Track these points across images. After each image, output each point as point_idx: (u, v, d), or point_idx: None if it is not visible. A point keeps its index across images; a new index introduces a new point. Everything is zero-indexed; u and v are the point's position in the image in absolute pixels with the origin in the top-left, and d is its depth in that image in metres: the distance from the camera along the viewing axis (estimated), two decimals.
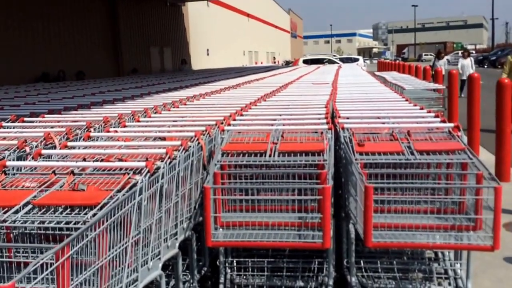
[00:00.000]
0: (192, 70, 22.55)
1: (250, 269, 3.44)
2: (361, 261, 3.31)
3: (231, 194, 3.07)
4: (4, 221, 2.17)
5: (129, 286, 2.39)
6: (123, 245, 2.35)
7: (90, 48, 17.84)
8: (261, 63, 39.61)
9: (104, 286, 2.19)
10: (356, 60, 31.82)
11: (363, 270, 3.30)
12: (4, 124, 4.21)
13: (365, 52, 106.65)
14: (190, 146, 3.19)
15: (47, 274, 1.91)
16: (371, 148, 3.15)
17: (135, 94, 7.21)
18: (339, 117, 3.97)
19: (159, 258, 2.77)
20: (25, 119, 4.46)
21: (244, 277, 3.40)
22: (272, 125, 3.78)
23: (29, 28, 14.43)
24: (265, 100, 5.62)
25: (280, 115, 4.24)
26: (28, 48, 14.25)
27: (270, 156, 3.15)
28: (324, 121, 3.86)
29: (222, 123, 3.96)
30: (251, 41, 41.75)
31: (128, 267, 2.37)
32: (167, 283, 3.34)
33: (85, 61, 16.89)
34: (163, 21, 23.94)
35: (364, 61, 34.43)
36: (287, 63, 37.00)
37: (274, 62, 42.71)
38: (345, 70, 14.21)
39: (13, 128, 4.15)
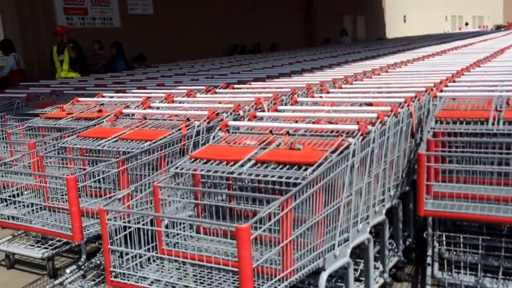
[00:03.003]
0: (387, 39, 21.99)
1: (461, 245, 3.35)
2: None
3: (446, 163, 3.02)
4: (232, 173, 2.49)
5: (341, 244, 2.55)
6: (336, 204, 2.50)
7: (284, 20, 18.53)
8: (463, 28, 36.80)
9: (319, 240, 2.38)
10: None
11: None
12: (217, 90, 4.71)
13: None
14: (399, 112, 3.21)
15: (270, 224, 2.14)
16: None
17: (332, 63, 7.39)
18: None
19: (368, 222, 2.88)
20: (235, 86, 4.92)
21: (455, 253, 3.34)
22: (492, 91, 3.58)
23: (226, 3, 15.55)
24: (478, 66, 5.31)
25: (502, 81, 3.97)
26: (226, 23, 15.38)
27: (493, 124, 3.01)
28: None
29: (432, 89, 3.88)
30: (454, 4, 39.00)
31: (340, 226, 2.53)
32: None
33: (279, 33, 17.63)
34: None
35: None
36: (498, 28, 33.78)
37: (473, 25, 39.18)
38: None
39: (225, 94, 4.61)
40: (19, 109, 5.14)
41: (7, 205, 3.20)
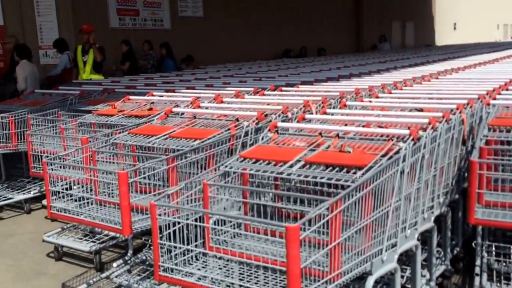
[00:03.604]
0: (436, 46, 21.57)
1: (511, 256, 3.26)
2: None
3: (498, 171, 2.93)
4: (281, 173, 2.49)
5: (388, 249, 2.51)
6: (385, 208, 2.47)
7: (332, 25, 18.43)
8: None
9: (367, 244, 2.35)
10: None
11: None
12: (265, 92, 4.74)
13: None
14: (451, 119, 3.14)
15: (319, 226, 2.13)
16: None
17: (380, 68, 7.32)
18: None
19: (416, 229, 2.83)
20: (283, 88, 4.93)
21: (504, 264, 3.24)
22: None
23: (274, 7, 15.59)
24: None
25: None
26: (274, 26, 15.42)
27: None
28: None
29: (485, 97, 3.79)
30: (506, 12, 37.87)
31: (388, 231, 2.50)
32: None
33: (326, 38, 17.55)
34: None
35: None
36: None
37: None
38: None
39: (273, 96, 4.62)
40: (72, 105, 5.31)
41: (59, 197, 3.29)
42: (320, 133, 2.87)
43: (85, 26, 8.48)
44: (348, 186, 2.27)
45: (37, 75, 8.27)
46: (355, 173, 2.39)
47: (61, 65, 8.97)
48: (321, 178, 2.40)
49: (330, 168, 2.49)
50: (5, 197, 5.53)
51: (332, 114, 3.46)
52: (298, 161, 2.58)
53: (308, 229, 2.10)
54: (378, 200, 2.41)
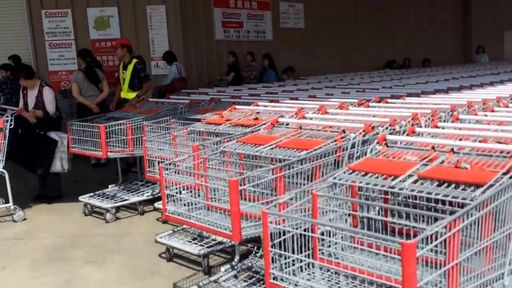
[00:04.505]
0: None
1: None
2: None
3: None
4: (393, 187, 2.42)
5: (510, 274, 2.35)
6: (506, 230, 2.31)
7: (438, 36, 17.72)
8: None
9: (487, 267, 2.21)
10: None
11: None
12: (370, 104, 4.64)
13: None
14: None
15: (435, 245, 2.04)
16: None
17: (493, 81, 6.94)
18: None
19: None
20: (388, 100, 4.80)
21: None
22: None
23: (376, 17, 15.30)
24: None
25: None
26: (376, 37, 15.11)
27: None
28: None
29: None
30: None
31: (510, 255, 2.33)
32: None
33: (431, 49, 16.90)
34: None
35: None
36: None
37: None
38: None
39: (379, 108, 4.52)
40: (182, 113, 5.53)
41: (172, 201, 3.42)
42: (433, 147, 2.76)
43: (119, 40, 7.73)
44: (466, 204, 2.15)
45: None
46: (473, 190, 2.27)
47: (171, 76, 9.38)
48: (436, 194, 2.30)
49: (445, 184, 2.37)
50: (121, 198, 5.89)
51: (444, 128, 3.32)
52: (410, 175, 2.49)
53: (423, 247, 2.02)
54: (499, 221, 2.27)
